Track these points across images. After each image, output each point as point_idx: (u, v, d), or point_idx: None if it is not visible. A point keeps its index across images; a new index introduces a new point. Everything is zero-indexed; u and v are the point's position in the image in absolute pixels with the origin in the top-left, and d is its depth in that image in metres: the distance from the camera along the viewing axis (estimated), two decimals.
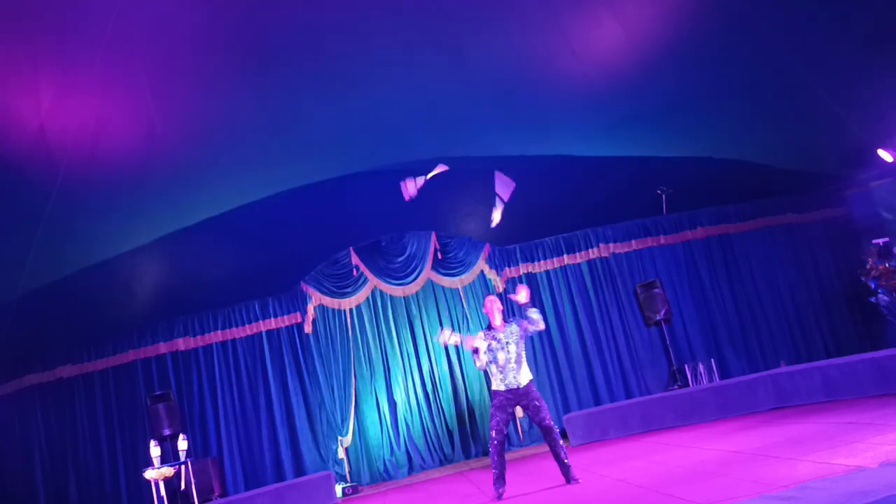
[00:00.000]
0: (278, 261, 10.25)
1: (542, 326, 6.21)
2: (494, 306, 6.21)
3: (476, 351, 6.12)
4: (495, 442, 5.98)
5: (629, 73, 7.85)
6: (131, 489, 9.77)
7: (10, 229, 7.33)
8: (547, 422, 5.97)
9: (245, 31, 6.30)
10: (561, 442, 6.02)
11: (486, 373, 6.31)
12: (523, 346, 6.18)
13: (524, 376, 6.09)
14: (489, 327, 6.23)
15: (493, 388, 6.15)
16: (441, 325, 10.72)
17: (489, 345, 6.11)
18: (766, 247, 11.63)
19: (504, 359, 6.06)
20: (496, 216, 6.72)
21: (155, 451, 8.12)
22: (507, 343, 6.09)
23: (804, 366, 8.65)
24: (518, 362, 6.08)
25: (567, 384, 10.86)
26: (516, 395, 6.04)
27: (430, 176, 6.56)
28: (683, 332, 11.17)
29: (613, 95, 8.24)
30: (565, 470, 6.02)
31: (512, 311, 11.10)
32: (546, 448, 9.72)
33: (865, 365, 7.52)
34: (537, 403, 6.02)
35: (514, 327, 6.18)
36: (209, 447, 10.17)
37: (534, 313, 6.18)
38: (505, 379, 6.04)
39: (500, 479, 6.01)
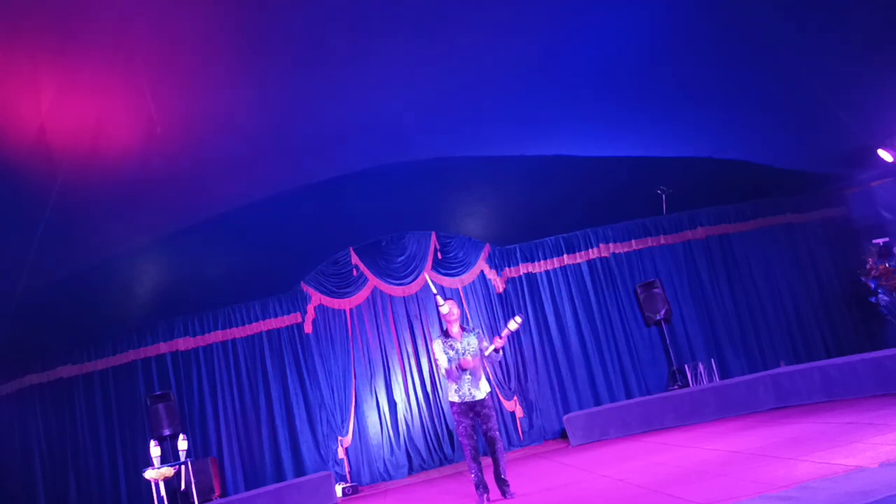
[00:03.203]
0: (278, 261, 10.26)
1: (497, 360, 6.16)
2: (452, 316, 5.99)
3: (452, 376, 5.92)
4: (468, 448, 5.92)
5: (629, 73, 7.85)
6: (131, 489, 9.77)
7: (10, 230, 7.33)
8: (493, 432, 5.91)
9: (245, 31, 6.30)
10: (504, 457, 5.98)
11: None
12: (480, 359, 6.02)
13: (482, 390, 5.94)
14: (446, 334, 6.05)
15: (449, 398, 6.01)
16: (441, 326, 10.72)
17: (446, 353, 5.95)
18: (766, 247, 11.63)
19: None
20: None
21: (155, 451, 8.12)
22: (464, 354, 5.91)
23: (804, 366, 8.65)
24: (475, 375, 5.93)
25: (567, 384, 10.86)
26: (472, 404, 5.94)
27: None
28: (683, 332, 11.17)
29: (613, 95, 8.24)
30: (501, 484, 5.97)
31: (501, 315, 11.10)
32: (545, 448, 9.74)
33: (865, 365, 7.52)
34: (488, 412, 5.94)
35: (472, 338, 6.01)
36: (209, 447, 10.17)
37: (494, 357, 6.07)
38: (460, 390, 5.91)
39: (481, 485, 5.97)
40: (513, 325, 6.01)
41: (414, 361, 10.66)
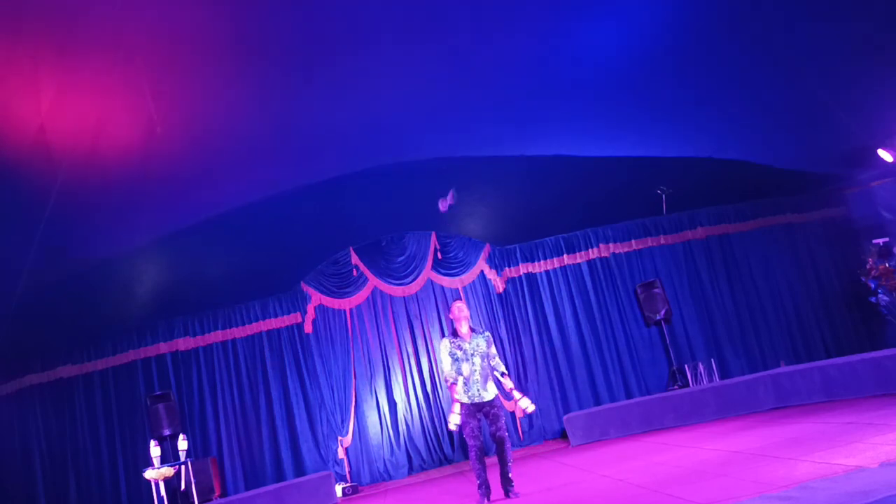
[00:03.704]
0: (278, 261, 10.26)
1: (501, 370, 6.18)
2: (462, 314, 6.08)
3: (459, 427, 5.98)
4: (473, 449, 5.93)
5: (629, 73, 7.85)
6: (131, 489, 9.77)
7: (10, 230, 7.33)
8: (501, 432, 5.91)
9: (245, 31, 6.30)
10: (511, 457, 5.99)
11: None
12: (488, 363, 6.06)
13: (490, 391, 5.98)
14: (454, 334, 6.09)
15: (457, 398, 6.01)
16: (441, 325, 10.73)
17: (454, 354, 5.97)
18: (766, 247, 11.63)
19: (468, 370, 5.94)
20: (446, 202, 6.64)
21: (155, 451, 8.12)
22: (473, 355, 5.96)
23: (804, 366, 8.65)
24: (483, 377, 5.96)
25: (567, 384, 10.86)
26: (480, 405, 5.96)
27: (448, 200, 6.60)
28: (683, 332, 11.17)
29: (614, 95, 8.24)
30: (506, 483, 5.97)
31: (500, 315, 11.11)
32: (545, 448, 9.74)
33: (865, 365, 7.52)
34: (497, 412, 5.97)
35: (480, 340, 6.04)
36: (209, 447, 10.17)
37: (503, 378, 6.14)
38: (469, 391, 5.93)
39: (483, 485, 5.97)
40: (525, 403, 6.20)
41: (414, 361, 10.66)
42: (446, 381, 6.05)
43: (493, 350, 6.14)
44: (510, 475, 5.97)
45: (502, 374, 6.15)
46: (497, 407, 5.99)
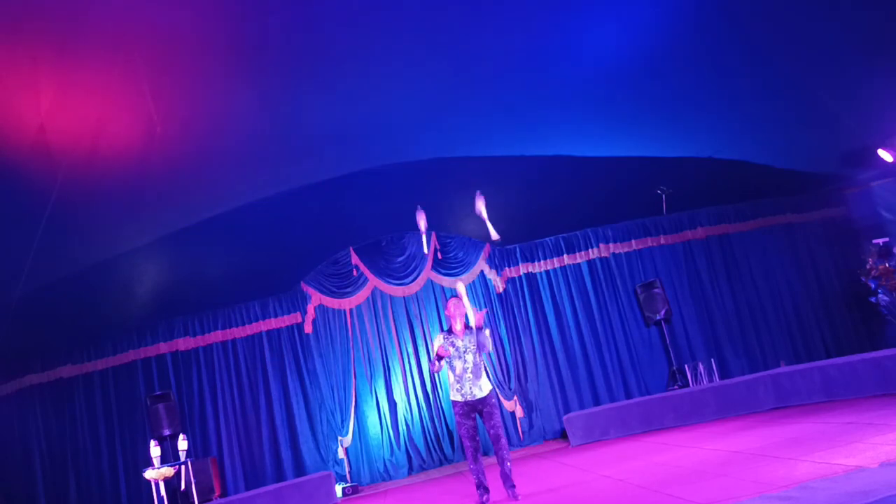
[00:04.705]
0: (278, 261, 10.26)
1: (488, 349, 6.04)
2: (457, 311, 6.01)
3: (440, 358, 5.85)
4: (469, 450, 5.92)
5: (630, 73, 7.85)
6: (131, 489, 9.77)
7: (10, 229, 7.33)
8: (496, 429, 5.88)
9: (245, 30, 6.30)
10: (508, 455, 5.95)
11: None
12: (482, 357, 6.00)
13: (483, 388, 5.92)
14: (449, 331, 6.05)
15: (451, 398, 6.00)
16: (441, 325, 10.72)
17: (446, 350, 5.93)
18: (766, 247, 11.63)
19: (461, 368, 5.90)
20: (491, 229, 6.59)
21: (155, 451, 8.12)
22: (465, 352, 5.91)
23: (804, 366, 8.65)
24: (476, 373, 5.91)
25: (567, 384, 10.86)
26: (474, 403, 5.93)
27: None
28: (683, 332, 11.17)
29: (614, 95, 8.24)
30: (507, 483, 5.94)
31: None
32: (545, 448, 9.74)
33: (865, 365, 7.52)
34: (491, 410, 5.92)
35: (474, 337, 5.98)
36: (209, 447, 10.17)
37: (484, 337, 5.97)
38: (461, 389, 5.90)
39: (481, 486, 5.96)
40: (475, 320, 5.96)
41: (414, 361, 10.66)
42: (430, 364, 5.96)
43: (485, 334, 5.99)
44: (510, 475, 5.95)
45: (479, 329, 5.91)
46: (491, 405, 5.94)
